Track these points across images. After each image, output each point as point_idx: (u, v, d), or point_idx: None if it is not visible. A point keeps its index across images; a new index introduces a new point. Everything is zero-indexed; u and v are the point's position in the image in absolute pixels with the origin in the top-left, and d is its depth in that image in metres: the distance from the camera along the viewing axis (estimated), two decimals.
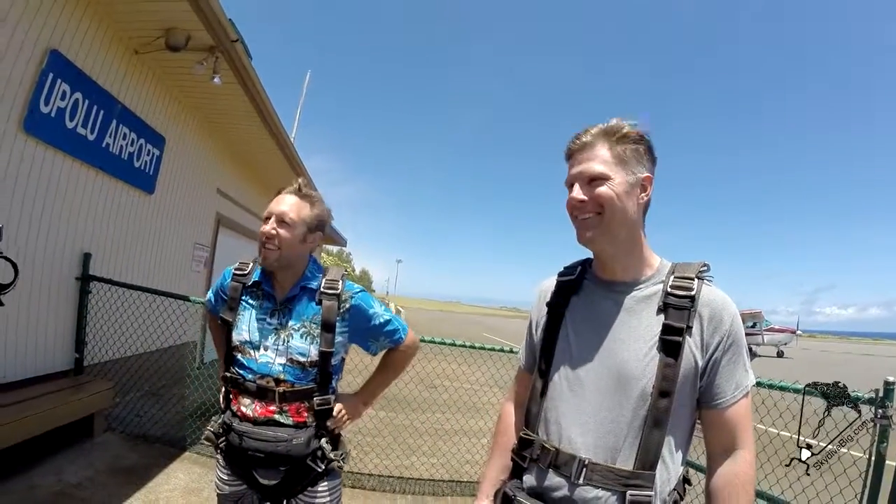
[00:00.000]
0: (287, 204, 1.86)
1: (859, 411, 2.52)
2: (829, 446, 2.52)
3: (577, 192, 1.26)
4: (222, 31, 4.64)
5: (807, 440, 2.53)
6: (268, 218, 1.84)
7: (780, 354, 30.16)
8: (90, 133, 4.53)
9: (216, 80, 5.14)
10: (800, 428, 2.58)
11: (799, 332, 32.42)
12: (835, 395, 2.57)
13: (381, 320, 1.96)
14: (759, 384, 3.18)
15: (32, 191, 3.93)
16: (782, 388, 3.11)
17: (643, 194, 1.27)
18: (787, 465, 2.61)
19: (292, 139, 9.27)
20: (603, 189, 1.22)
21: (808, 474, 2.54)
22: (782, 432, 3.38)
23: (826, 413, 2.59)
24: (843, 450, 2.52)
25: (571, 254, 1.39)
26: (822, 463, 2.51)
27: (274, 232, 1.81)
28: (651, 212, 1.33)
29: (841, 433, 2.53)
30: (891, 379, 2.61)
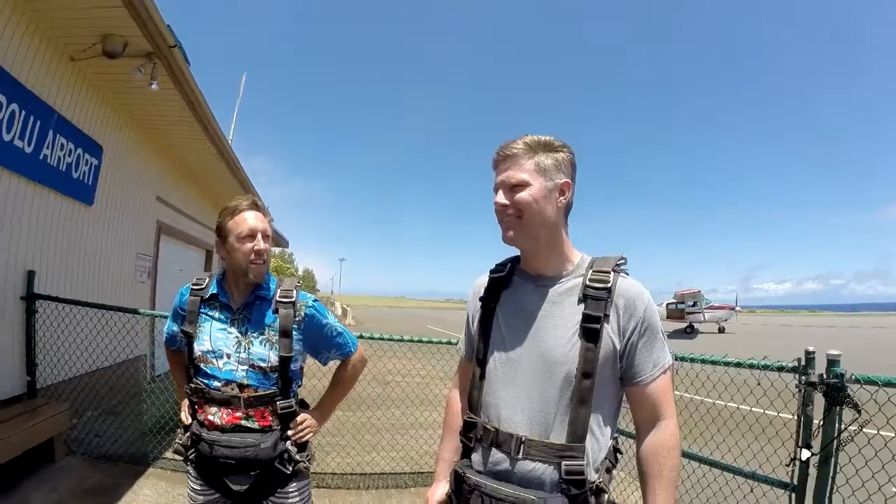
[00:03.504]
0: (262, 220, 1.96)
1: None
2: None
3: (500, 198, 1.40)
4: (160, 38, 4.55)
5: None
6: (251, 236, 1.92)
7: (721, 330, 31.83)
8: (27, 145, 4.35)
9: (154, 85, 5.02)
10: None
11: (738, 308, 34.29)
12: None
13: (334, 332, 2.09)
14: (692, 360, 3.48)
15: None
16: (714, 362, 3.36)
17: (562, 198, 1.41)
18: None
19: (230, 141, 9.08)
20: (522, 195, 1.37)
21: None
22: (717, 401, 3.71)
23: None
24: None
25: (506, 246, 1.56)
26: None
27: (265, 247, 1.93)
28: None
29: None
30: (811, 348, 2.82)
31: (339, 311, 40.45)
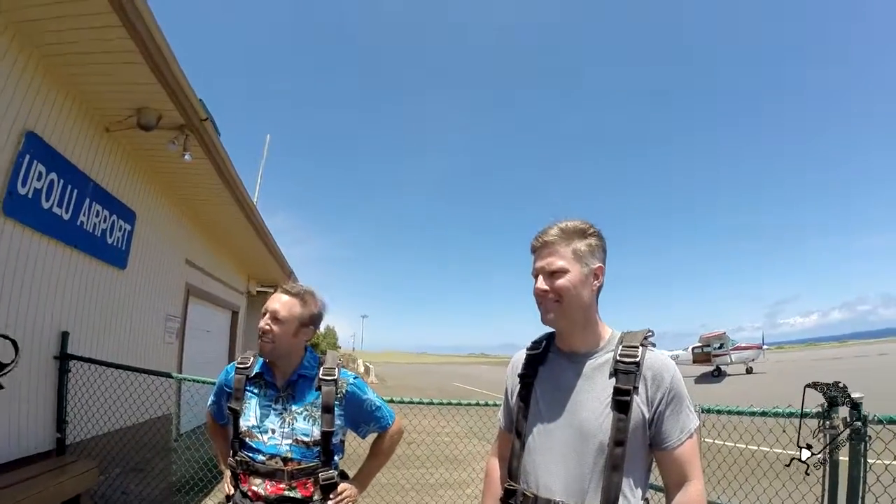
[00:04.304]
0: (279, 302, 2.09)
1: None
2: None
3: (541, 284, 1.55)
4: (192, 111, 4.85)
5: (807, 442, 2.75)
6: (263, 314, 2.08)
7: (749, 371, 31.11)
8: (65, 212, 4.59)
9: (187, 157, 5.29)
10: (799, 429, 2.79)
11: (765, 346, 33.40)
12: (834, 395, 2.76)
13: (373, 406, 2.20)
14: (717, 411, 3.44)
15: (11, 272, 3.94)
16: (739, 413, 3.36)
17: (596, 282, 1.56)
18: (786, 466, 2.82)
19: (255, 201, 9.41)
20: (562, 281, 1.51)
21: (808, 474, 2.77)
22: (749, 446, 3.63)
23: (825, 413, 2.80)
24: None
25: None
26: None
27: (268, 327, 2.04)
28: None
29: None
30: (832, 394, 2.84)
31: (362, 369, 40.09)
